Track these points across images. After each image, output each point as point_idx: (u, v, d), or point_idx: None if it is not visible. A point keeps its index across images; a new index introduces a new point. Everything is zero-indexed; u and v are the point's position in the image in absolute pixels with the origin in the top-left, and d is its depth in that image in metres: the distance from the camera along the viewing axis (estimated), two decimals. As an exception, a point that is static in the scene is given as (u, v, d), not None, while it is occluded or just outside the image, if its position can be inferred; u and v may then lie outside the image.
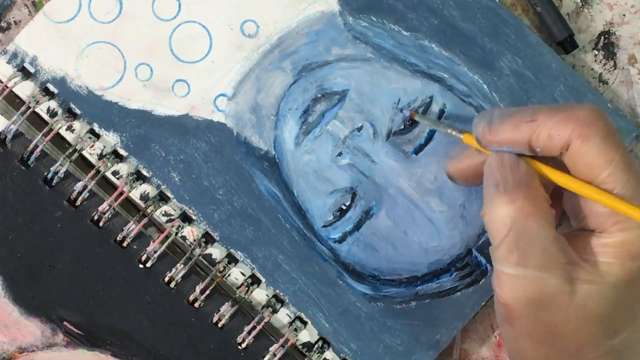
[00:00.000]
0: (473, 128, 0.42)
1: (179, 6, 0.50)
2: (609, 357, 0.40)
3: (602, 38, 0.52)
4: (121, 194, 0.50)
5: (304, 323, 0.51)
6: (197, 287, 0.50)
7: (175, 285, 0.50)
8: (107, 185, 0.51)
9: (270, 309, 0.50)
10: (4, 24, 0.52)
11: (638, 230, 0.39)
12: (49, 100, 0.50)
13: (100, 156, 0.50)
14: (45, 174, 0.49)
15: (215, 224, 0.50)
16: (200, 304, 0.50)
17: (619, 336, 0.40)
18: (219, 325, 0.50)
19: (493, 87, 0.50)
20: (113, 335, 0.50)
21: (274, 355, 0.50)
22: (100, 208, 0.50)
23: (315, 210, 0.50)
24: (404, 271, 0.50)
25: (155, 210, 0.50)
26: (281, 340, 0.50)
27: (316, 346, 0.50)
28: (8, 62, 0.50)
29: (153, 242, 0.50)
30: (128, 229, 0.50)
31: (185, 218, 0.50)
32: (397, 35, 0.50)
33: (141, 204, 0.50)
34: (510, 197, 0.39)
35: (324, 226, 0.50)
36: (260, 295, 0.50)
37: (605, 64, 0.52)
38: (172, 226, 0.50)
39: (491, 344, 0.52)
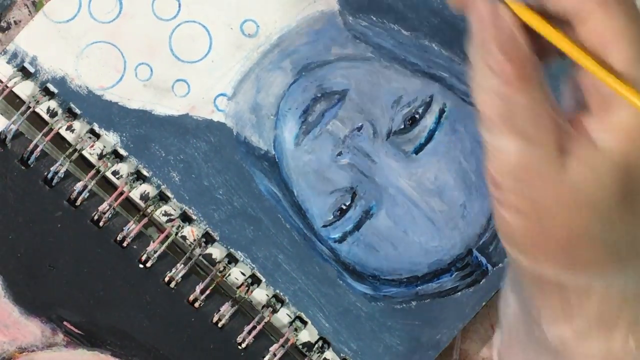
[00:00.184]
0: None
1: (179, 6, 0.50)
2: (607, 258, 0.35)
3: (603, 37, 0.52)
4: (121, 194, 0.50)
5: (304, 323, 0.50)
6: (197, 287, 0.50)
7: (175, 285, 0.50)
8: (107, 185, 0.51)
9: (270, 309, 0.50)
10: (4, 24, 0.52)
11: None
12: (49, 100, 0.50)
13: (100, 156, 0.50)
14: (45, 174, 0.49)
15: (215, 223, 0.50)
16: (200, 304, 0.50)
17: (616, 231, 0.35)
18: (219, 325, 0.50)
19: (493, 87, 0.50)
20: (113, 335, 0.50)
21: (274, 355, 0.50)
22: (100, 208, 0.50)
23: (315, 210, 0.50)
24: (404, 271, 0.50)
25: (155, 210, 0.50)
26: (281, 340, 0.50)
27: (316, 346, 0.50)
28: (8, 62, 0.50)
29: (153, 242, 0.50)
30: (128, 229, 0.50)
31: (185, 218, 0.50)
32: (397, 34, 0.50)
33: (141, 204, 0.50)
34: (495, 60, 0.34)
35: (324, 226, 0.50)
36: (260, 295, 0.50)
37: (606, 64, 0.52)
38: (172, 226, 0.50)
39: (491, 344, 0.52)
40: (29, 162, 0.49)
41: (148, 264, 0.50)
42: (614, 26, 0.33)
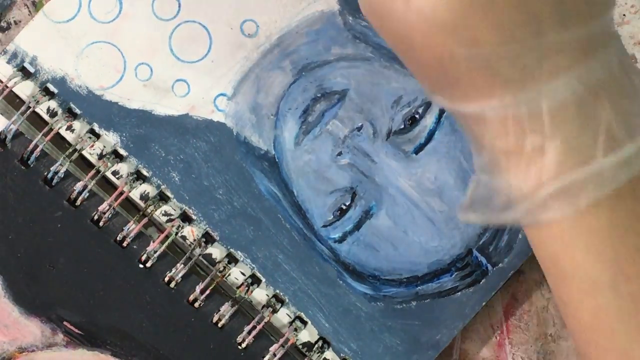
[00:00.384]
0: None
1: (179, 6, 0.50)
2: (488, 82, 0.33)
3: (603, 37, 0.52)
4: (121, 193, 0.50)
5: (304, 323, 0.50)
6: (197, 287, 0.50)
7: (175, 285, 0.50)
8: (107, 185, 0.51)
9: (270, 309, 0.50)
10: (4, 24, 0.52)
11: None
12: (49, 100, 0.50)
13: (100, 156, 0.50)
14: (45, 174, 0.49)
15: (215, 223, 0.50)
16: (200, 304, 0.50)
17: (483, 47, 0.32)
18: (219, 325, 0.50)
19: (493, 87, 0.50)
20: (113, 335, 0.50)
21: (274, 355, 0.50)
22: (100, 208, 0.50)
23: (315, 210, 0.50)
24: (404, 271, 0.50)
25: (155, 210, 0.50)
26: (281, 340, 0.50)
27: (316, 346, 0.50)
28: (8, 62, 0.50)
29: (153, 242, 0.50)
30: (128, 229, 0.50)
31: (185, 218, 0.50)
32: (397, 34, 0.50)
33: (141, 204, 0.50)
34: None
35: (324, 226, 0.50)
36: (260, 295, 0.50)
37: (606, 64, 0.52)
38: (172, 226, 0.50)
39: (491, 344, 0.52)
40: (29, 162, 0.49)
41: (148, 264, 0.50)
42: None
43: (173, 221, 0.50)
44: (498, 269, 0.50)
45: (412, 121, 0.49)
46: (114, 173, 0.50)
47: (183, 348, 0.50)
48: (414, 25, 0.33)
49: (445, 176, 0.49)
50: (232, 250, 0.50)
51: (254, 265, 0.50)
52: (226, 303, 0.50)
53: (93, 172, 0.50)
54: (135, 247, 0.50)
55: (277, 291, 0.50)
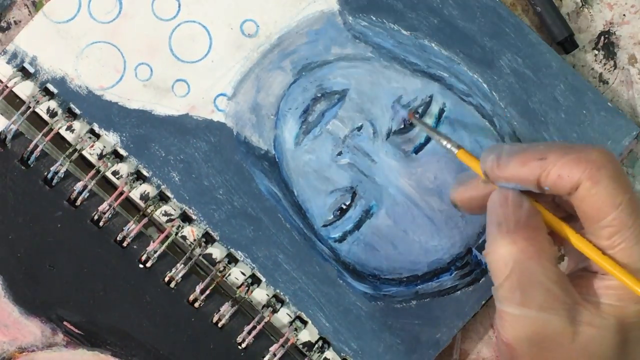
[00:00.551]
0: (481, 161, 0.42)
1: (179, 6, 0.50)
2: None
3: (602, 38, 0.52)
4: (121, 194, 0.50)
5: (304, 323, 0.50)
6: (197, 287, 0.50)
7: (175, 285, 0.50)
8: (107, 185, 0.51)
9: (271, 309, 0.50)
10: (4, 24, 0.52)
11: None
12: (49, 100, 0.50)
13: (100, 156, 0.50)
14: (45, 174, 0.49)
15: (215, 223, 0.50)
16: (200, 304, 0.50)
17: None
18: (219, 325, 0.50)
19: (493, 86, 0.50)
20: (113, 335, 0.50)
21: (274, 355, 0.50)
22: (100, 208, 0.50)
23: (316, 210, 0.50)
24: (404, 270, 0.50)
25: (155, 210, 0.50)
26: (281, 340, 0.50)
27: (316, 346, 0.50)
28: (8, 62, 0.50)
29: (153, 242, 0.50)
30: (128, 229, 0.50)
31: (185, 218, 0.50)
32: (397, 34, 0.50)
33: (141, 204, 0.50)
34: (511, 238, 0.39)
35: (324, 225, 0.50)
36: (260, 295, 0.50)
37: (605, 64, 0.52)
38: (172, 226, 0.50)
39: (491, 344, 0.52)
40: (29, 162, 0.49)
41: (148, 264, 0.50)
42: (601, 193, 0.38)
43: (173, 221, 0.50)
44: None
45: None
46: (114, 173, 0.50)
47: (183, 348, 0.50)
48: (574, 358, 0.39)
49: (445, 176, 0.49)
50: (232, 250, 0.50)
51: (254, 265, 0.50)
52: (226, 303, 0.50)
53: (93, 172, 0.50)
54: (135, 247, 0.50)
55: (277, 291, 0.50)
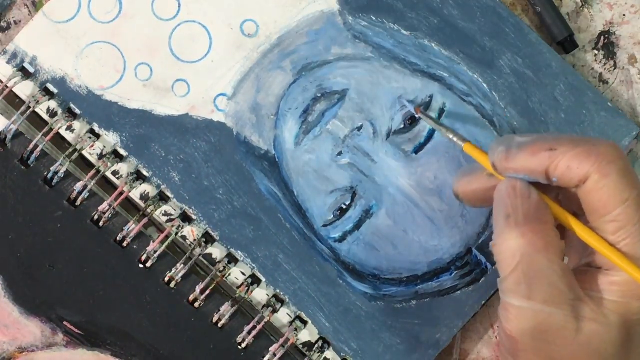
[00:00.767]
0: (489, 152, 0.42)
1: (179, 6, 0.50)
2: None
3: (602, 38, 0.52)
4: (121, 194, 0.50)
5: (304, 323, 0.50)
6: (197, 287, 0.50)
7: (175, 285, 0.50)
8: (107, 185, 0.51)
9: (271, 309, 0.50)
10: (4, 24, 0.52)
11: None
12: (49, 100, 0.50)
13: (100, 156, 0.50)
14: (45, 174, 0.49)
15: (215, 223, 0.50)
16: (200, 304, 0.50)
17: None
18: (219, 325, 0.50)
19: (493, 86, 0.50)
20: (113, 335, 0.50)
21: (274, 355, 0.50)
22: (100, 208, 0.50)
23: (316, 210, 0.50)
24: (404, 270, 0.50)
25: (155, 210, 0.50)
26: (281, 340, 0.50)
27: (316, 346, 0.50)
28: (8, 62, 0.50)
29: (153, 242, 0.50)
30: (128, 229, 0.50)
31: (185, 218, 0.50)
32: (397, 34, 0.50)
33: (141, 204, 0.50)
34: (520, 231, 0.39)
35: (324, 225, 0.50)
36: (260, 295, 0.50)
37: (605, 64, 0.52)
38: (172, 226, 0.50)
39: (491, 343, 0.52)
40: (29, 162, 0.49)
41: (148, 264, 0.50)
42: (609, 187, 0.38)
43: (173, 221, 0.50)
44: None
45: (412, 121, 0.50)
46: (114, 173, 0.50)
47: (183, 348, 0.50)
48: (578, 354, 0.39)
49: (445, 176, 0.49)
50: (232, 250, 0.50)
51: (254, 265, 0.50)
52: (226, 303, 0.50)
53: (93, 172, 0.50)
54: (135, 247, 0.50)
55: (277, 291, 0.50)
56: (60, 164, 0.49)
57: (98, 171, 0.50)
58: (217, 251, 0.50)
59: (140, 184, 0.50)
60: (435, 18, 0.50)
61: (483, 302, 0.50)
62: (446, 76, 0.50)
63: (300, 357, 0.51)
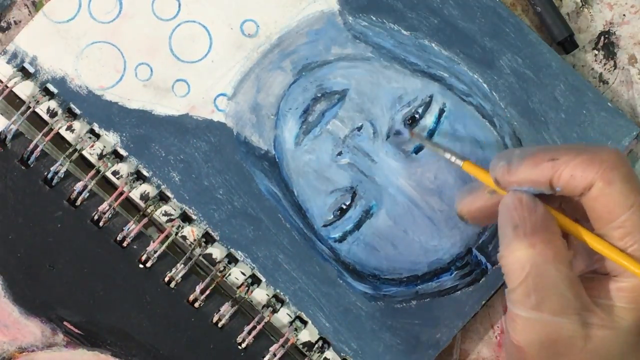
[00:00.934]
0: (490, 168, 0.42)
1: (179, 6, 0.50)
2: None
3: (602, 38, 0.52)
4: (121, 194, 0.50)
5: (304, 323, 0.50)
6: (197, 287, 0.50)
7: (175, 285, 0.50)
8: (107, 185, 0.51)
9: (271, 309, 0.50)
10: (4, 24, 0.52)
11: None
12: (49, 100, 0.50)
13: (100, 156, 0.50)
14: (45, 174, 0.49)
15: (215, 223, 0.50)
16: (200, 304, 0.50)
17: None
18: (219, 325, 0.50)
19: (493, 86, 0.50)
20: (113, 335, 0.50)
21: (274, 355, 0.50)
22: (100, 208, 0.50)
23: (316, 210, 0.50)
24: (404, 270, 0.50)
25: (155, 210, 0.50)
26: (281, 340, 0.50)
27: (316, 346, 0.50)
28: (8, 62, 0.50)
29: (153, 242, 0.50)
30: (128, 229, 0.50)
31: (185, 218, 0.50)
32: (397, 34, 0.50)
33: (141, 204, 0.50)
34: (529, 241, 0.39)
35: (324, 225, 0.50)
36: (260, 295, 0.50)
37: (605, 64, 0.52)
38: (172, 226, 0.50)
39: (491, 344, 0.52)
40: (29, 162, 0.49)
41: (148, 264, 0.50)
42: (614, 193, 0.38)
43: (173, 221, 0.50)
44: (497, 267, 0.50)
45: (412, 121, 0.50)
46: (114, 173, 0.50)
47: (183, 348, 0.50)
48: None
49: (445, 176, 0.49)
50: (232, 250, 0.50)
51: (254, 265, 0.50)
52: (226, 303, 0.50)
53: (93, 172, 0.50)
54: (135, 247, 0.50)
55: (277, 291, 0.50)
56: (60, 164, 0.49)
57: (98, 171, 0.50)
58: (217, 251, 0.50)
59: (140, 184, 0.50)
60: (435, 18, 0.50)
61: (483, 302, 0.50)
62: (446, 76, 0.50)
63: (300, 357, 0.51)
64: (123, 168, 0.50)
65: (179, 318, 0.50)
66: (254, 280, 0.50)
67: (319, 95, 0.50)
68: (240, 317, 0.50)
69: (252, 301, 0.51)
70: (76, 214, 0.50)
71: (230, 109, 0.50)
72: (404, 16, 0.50)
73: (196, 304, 0.50)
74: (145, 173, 0.50)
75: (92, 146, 0.50)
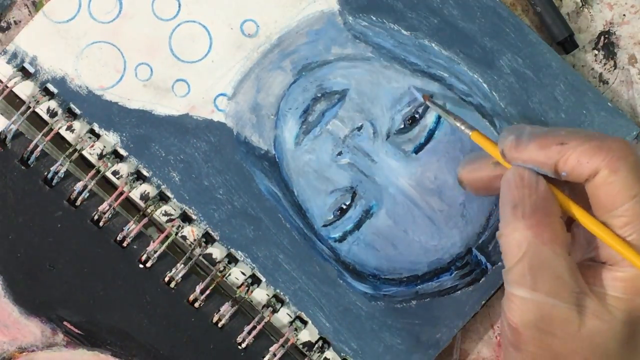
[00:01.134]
0: (500, 140, 0.42)
1: (179, 6, 0.50)
2: None
3: (602, 38, 0.52)
4: (121, 194, 0.50)
5: (304, 323, 0.50)
6: (197, 287, 0.50)
7: (175, 285, 0.50)
8: (107, 185, 0.51)
9: (271, 309, 0.50)
10: (4, 24, 0.52)
11: None
12: (49, 100, 0.50)
13: (100, 156, 0.50)
14: (45, 174, 0.49)
15: (215, 223, 0.50)
16: (200, 304, 0.50)
17: None
18: (219, 325, 0.50)
19: (493, 86, 0.50)
20: (113, 335, 0.50)
21: (274, 355, 0.50)
22: (100, 208, 0.50)
23: (316, 210, 0.50)
24: (404, 270, 0.50)
25: (155, 210, 0.50)
26: (281, 340, 0.50)
27: (316, 346, 0.50)
28: (8, 62, 0.50)
29: (153, 242, 0.50)
30: (128, 229, 0.50)
31: (185, 218, 0.50)
32: (397, 34, 0.50)
33: (141, 204, 0.50)
34: (527, 223, 0.39)
35: (324, 225, 0.50)
36: (260, 295, 0.50)
37: (605, 64, 0.52)
38: (172, 226, 0.50)
39: (491, 343, 0.52)
40: (29, 162, 0.49)
41: (148, 264, 0.50)
42: (618, 182, 0.38)
43: (173, 221, 0.50)
44: (497, 267, 0.50)
45: (412, 121, 0.50)
46: (114, 173, 0.50)
47: (183, 348, 0.50)
48: (580, 347, 0.39)
49: (445, 176, 0.49)
50: (232, 250, 0.50)
51: (254, 265, 0.50)
52: (226, 303, 0.50)
53: (93, 172, 0.50)
54: (135, 247, 0.50)
55: (277, 291, 0.50)
56: (60, 164, 0.49)
57: (98, 171, 0.50)
58: (217, 251, 0.50)
59: (140, 184, 0.50)
60: (435, 18, 0.50)
61: (483, 302, 0.50)
62: (446, 76, 0.50)
63: (300, 357, 0.51)
64: (123, 168, 0.50)
65: (179, 318, 0.50)
66: (254, 280, 0.50)
67: (319, 95, 0.50)
68: (240, 317, 0.50)
69: (252, 301, 0.51)
70: (76, 214, 0.50)
71: (230, 109, 0.50)
72: (404, 16, 0.50)
73: (196, 304, 0.50)
74: (145, 173, 0.50)
75: (92, 146, 0.50)
